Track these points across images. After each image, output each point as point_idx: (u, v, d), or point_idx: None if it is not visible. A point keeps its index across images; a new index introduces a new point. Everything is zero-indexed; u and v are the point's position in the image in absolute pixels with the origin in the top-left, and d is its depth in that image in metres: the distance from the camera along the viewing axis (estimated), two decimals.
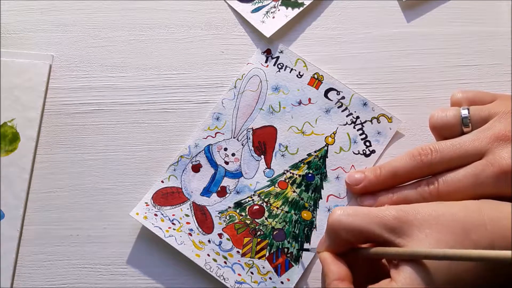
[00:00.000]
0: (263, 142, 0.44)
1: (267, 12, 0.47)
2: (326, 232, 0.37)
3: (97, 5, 0.48)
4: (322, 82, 0.45)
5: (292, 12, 0.46)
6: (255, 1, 0.47)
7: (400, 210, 0.34)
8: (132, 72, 0.47)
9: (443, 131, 0.39)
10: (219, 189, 0.44)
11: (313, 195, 0.43)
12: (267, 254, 0.43)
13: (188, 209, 0.43)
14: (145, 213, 0.43)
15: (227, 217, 0.43)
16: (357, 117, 0.44)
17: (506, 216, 0.33)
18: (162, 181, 0.44)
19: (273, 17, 0.46)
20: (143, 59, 0.47)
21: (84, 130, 0.46)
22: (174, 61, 0.47)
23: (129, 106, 0.46)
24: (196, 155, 0.44)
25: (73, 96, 0.46)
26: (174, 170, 0.44)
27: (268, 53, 0.46)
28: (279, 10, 0.47)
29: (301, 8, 0.46)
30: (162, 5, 0.48)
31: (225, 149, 0.44)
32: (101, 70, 0.47)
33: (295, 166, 0.44)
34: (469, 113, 0.38)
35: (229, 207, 0.44)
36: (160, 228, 0.42)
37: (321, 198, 0.43)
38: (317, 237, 0.43)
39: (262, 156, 0.44)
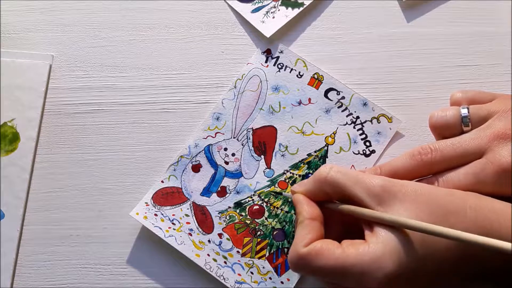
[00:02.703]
0: (263, 142, 0.44)
1: (267, 12, 0.47)
2: (311, 178, 0.37)
3: (97, 5, 0.48)
4: (322, 82, 0.45)
5: (292, 12, 0.46)
6: (255, 1, 0.47)
7: (387, 181, 0.35)
8: (132, 72, 0.47)
9: (443, 131, 0.39)
10: (219, 189, 0.44)
11: None
12: (267, 254, 0.43)
13: (188, 209, 0.44)
14: (145, 213, 0.43)
15: (227, 217, 0.43)
16: (357, 117, 0.44)
17: (489, 207, 0.33)
18: (162, 181, 0.44)
19: (273, 17, 0.46)
20: (143, 59, 0.47)
21: (84, 130, 0.46)
22: (174, 61, 0.47)
23: (129, 106, 0.46)
24: (196, 155, 0.44)
25: (73, 96, 0.46)
26: (174, 170, 0.44)
27: (268, 53, 0.46)
28: (279, 10, 0.47)
29: (301, 8, 0.46)
30: (162, 5, 0.48)
31: (225, 149, 0.44)
32: (101, 70, 0.47)
33: (295, 166, 0.44)
34: (468, 112, 0.38)
35: (229, 207, 0.44)
36: (160, 228, 0.42)
37: None
38: None
39: (262, 156, 0.44)
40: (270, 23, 0.46)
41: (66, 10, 0.48)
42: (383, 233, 0.33)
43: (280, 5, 0.47)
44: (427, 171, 0.38)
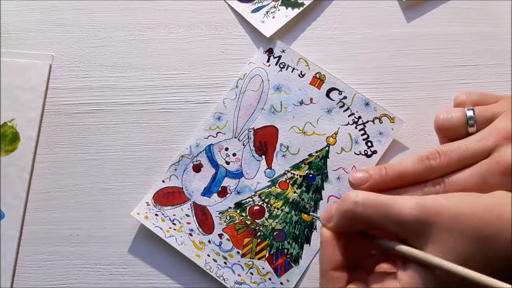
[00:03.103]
0: (264, 142, 0.44)
1: (267, 12, 0.47)
2: (338, 212, 0.35)
3: (97, 5, 0.48)
4: (324, 82, 0.45)
5: (292, 12, 0.46)
6: (255, 1, 0.47)
7: (422, 207, 0.32)
8: (132, 72, 0.47)
9: (448, 132, 0.39)
10: (219, 189, 0.44)
11: (313, 196, 0.43)
12: (267, 255, 0.43)
13: (188, 209, 0.43)
14: (146, 213, 0.43)
15: (228, 218, 0.43)
16: (359, 117, 0.44)
17: None
18: (163, 181, 0.44)
19: (273, 17, 0.46)
20: (143, 59, 0.47)
21: (84, 130, 0.46)
22: (174, 61, 0.47)
23: (129, 106, 0.46)
24: (197, 155, 0.44)
25: (73, 96, 0.46)
26: (175, 169, 0.44)
27: (270, 52, 0.46)
28: (279, 10, 0.47)
29: (301, 8, 0.46)
30: (162, 5, 0.48)
31: (226, 149, 0.44)
32: (101, 70, 0.47)
33: (296, 167, 0.44)
34: (474, 113, 0.38)
35: (230, 208, 0.43)
36: (160, 228, 0.42)
37: (322, 199, 0.43)
38: (317, 238, 0.43)
39: (263, 156, 0.44)
40: (270, 23, 0.46)
41: (66, 10, 0.48)
42: (417, 271, 0.32)
43: (280, 5, 0.47)
44: (435, 174, 0.38)
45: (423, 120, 0.44)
